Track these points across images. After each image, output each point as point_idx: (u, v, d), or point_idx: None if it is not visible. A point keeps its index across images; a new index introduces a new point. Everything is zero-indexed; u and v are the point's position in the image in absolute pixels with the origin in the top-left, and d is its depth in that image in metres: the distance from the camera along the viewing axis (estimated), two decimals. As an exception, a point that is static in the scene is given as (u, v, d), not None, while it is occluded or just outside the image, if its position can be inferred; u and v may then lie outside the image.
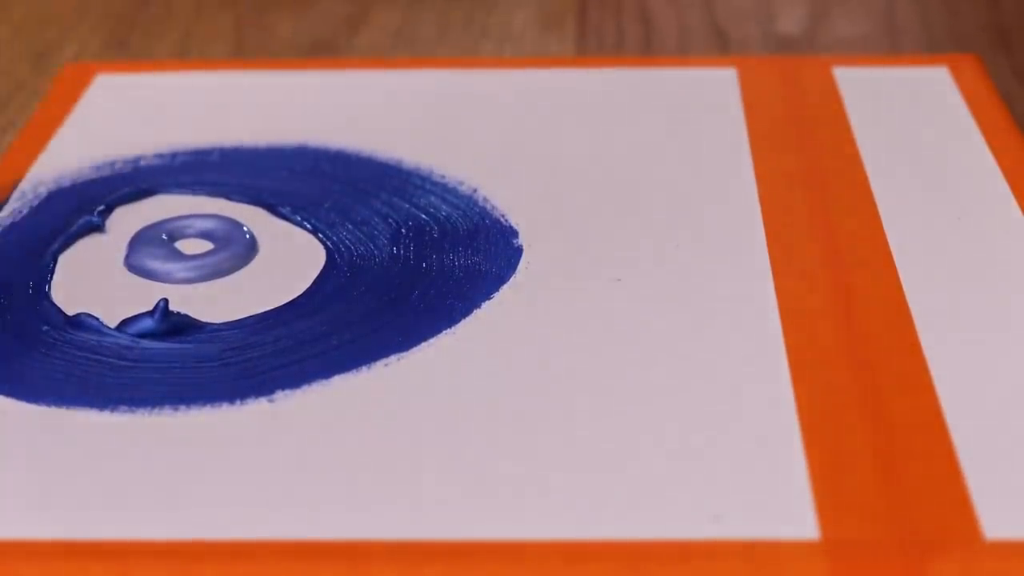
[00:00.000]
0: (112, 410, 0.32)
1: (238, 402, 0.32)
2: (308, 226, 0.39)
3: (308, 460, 0.30)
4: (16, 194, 0.40)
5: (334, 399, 0.32)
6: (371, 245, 0.38)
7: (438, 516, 0.29)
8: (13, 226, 0.39)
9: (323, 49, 0.54)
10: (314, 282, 0.36)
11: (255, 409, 0.32)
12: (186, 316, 0.35)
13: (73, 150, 0.43)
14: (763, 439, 0.30)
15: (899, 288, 0.35)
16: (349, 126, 0.44)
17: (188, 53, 0.53)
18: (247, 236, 0.38)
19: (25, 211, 0.40)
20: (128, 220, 0.39)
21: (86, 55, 0.53)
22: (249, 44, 0.55)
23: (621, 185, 0.40)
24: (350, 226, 0.38)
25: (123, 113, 0.45)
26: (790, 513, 0.28)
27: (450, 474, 0.30)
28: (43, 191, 0.41)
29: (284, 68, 0.48)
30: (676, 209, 0.39)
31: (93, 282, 0.37)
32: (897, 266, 0.36)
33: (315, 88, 0.46)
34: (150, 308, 0.35)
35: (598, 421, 0.31)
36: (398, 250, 0.37)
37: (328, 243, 0.38)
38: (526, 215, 0.39)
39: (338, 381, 0.33)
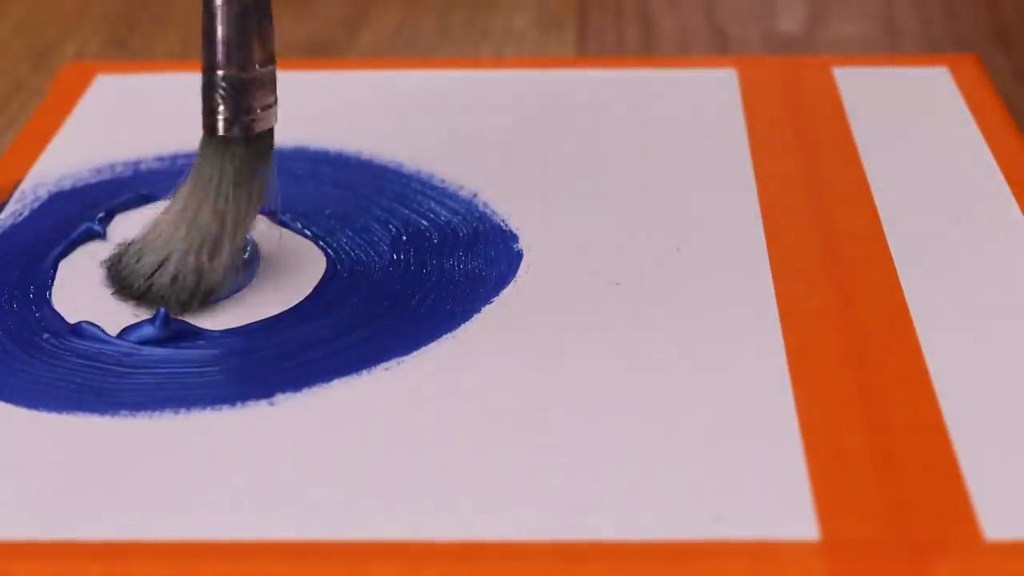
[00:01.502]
0: (112, 415, 0.32)
1: (239, 404, 0.32)
2: (308, 234, 0.39)
3: (308, 462, 0.30)
4: (16, 195, 0.40)
5: (334, 402, 0.32)
6: (371, 252, 0.38)
7: (438, 517, 0.29)
8: (13, 228, 0.39)
9: (323, 49, 0.54)
10: (315, 289, 0.36)
11: (255, 411, 0.32)
12: (187, 323, 0.35)
13: (73, 151, 0.43)
14: (763, 439, 0.30)
15: (899, 288, 0.35)
16: (349, 127, 0.44)
17: (188, 53, 0.53)
18: (248, 245, 0.38)
19: (26, 213, 0.40)
20: (129, 226, 0.39)
21: (86, 55, 0.54)
22: (249, 44, 0.55)
23: (621, 187, 0.40)
24: (350, 233, 0.38)
25: (123, 114, 0.45)
26: (790, 513, 0.28)
27: (450, 475, 0.30)
28: (43, 193, 0.40)
29: (284, 68, 0.48)
30: (676, 210, 0.39)
31: (94, 289, 0.37)
32: (897, 266, 0.36)
33: (315, 88, 0.46)
34: (151, 316, 0.35)
35: (598, 422, 0.31)
36: (398, 256, 0.37)
37: (328, 251, 0.38)
38: (526, 219, 0.39)
39: (338, 384, 0.33)
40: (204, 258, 0.35)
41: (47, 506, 0.29)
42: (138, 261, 0.36)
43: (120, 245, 0.37)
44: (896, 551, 0.28)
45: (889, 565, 0.27)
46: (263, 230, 0.39)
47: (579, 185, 0.40)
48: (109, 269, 0.36)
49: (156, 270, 0.35)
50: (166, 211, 0.36)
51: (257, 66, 0.35)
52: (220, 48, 0.35)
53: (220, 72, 0.35)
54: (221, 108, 0.35)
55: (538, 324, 0.34)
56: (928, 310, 0.34)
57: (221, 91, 0.34)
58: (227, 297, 0.35)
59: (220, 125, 0.35)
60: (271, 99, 0.35)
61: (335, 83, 0.47)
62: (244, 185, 0.35)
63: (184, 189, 0.35)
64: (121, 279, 0.36)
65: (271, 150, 0.36)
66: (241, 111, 0.35)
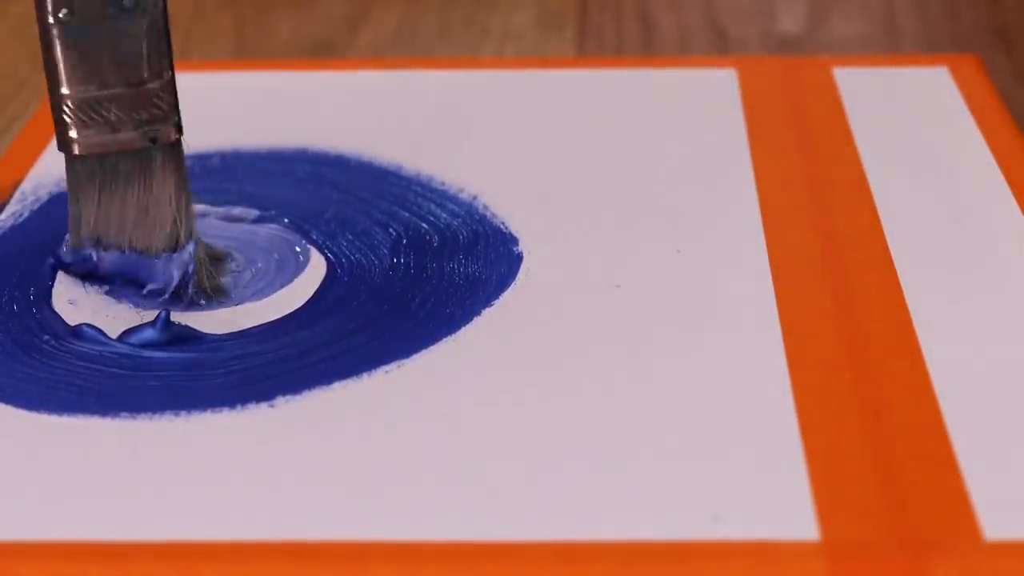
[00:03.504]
0: (113, 417, 0.32)
1: (239, 407, 0.32)
2: (310, 237, 0.39)
3: (309, 463, 0.30)
4: (16, 196, 0.40)
5: (335, 404, 0.32)
6: (372, 255, 0.38)
7: (438, 517, 0.29)
8: (14, 229, 0.39)
9: (323, 49, 0.54)
10: (315, 294, 0.36)
11: (256, 413, 0.32)
12: (187, 327, 0.35)
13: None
14: (763, 439, 0.30)
15: (898, 288, 0.35)
16: (349, 127, 0.44)
17: (188, 53, 0.54)
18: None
19: (26, 214, 0.40)
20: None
21: (86, 56, 0.53)
22: (249, 44, 0.55)
23: (620, 188, 0.40)
24: (350, 236, 0.38)
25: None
26: (790, 513, 0.28)
27: (450, 476, 0.30)
28: (44, 195, 0.40)
29: (284, 68, 0.48)
30: (676, 211, 0.39)
31: (94, 291, 0.37)
32: (896, 266, 0.36)
33: (315, 88, 0.46)
34: (151, 319, 0.35)
35: (598, 422, 0.31)
36: (398, 259, 0.37)
37: (329, 255, 0.38)
38: (526, 221, 0.39)
39: (339, 387, 0.33)
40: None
41: (47, 507, 0.29)
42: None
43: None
44: (896, 551, 0.28)
45: (889, 565, 0.27)
46: (272, 232, 0.39)
47: (579, 186, 0.40)
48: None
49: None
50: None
51: (96, 88, 0.35)
52: (56, 69, 0.35)
53: (63, 91, 0.35)
54: (72, 130, 0.35)
55: (538, 326, 0.34)
56: (928, 310, 0.34)
57: (65, 110, 0.35)
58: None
59: (70, 144, 0.35)
60: (110, 117, 0.35)
61: (335, 83, 0.47)
62: (79, 202, 0.36)
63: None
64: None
65: (126, 165, 0.36)
66: (86, 130, 0.35)
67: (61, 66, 0.35)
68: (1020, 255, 0.37)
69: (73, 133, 0.35)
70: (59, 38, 0.35)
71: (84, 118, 0.35)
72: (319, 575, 0.28)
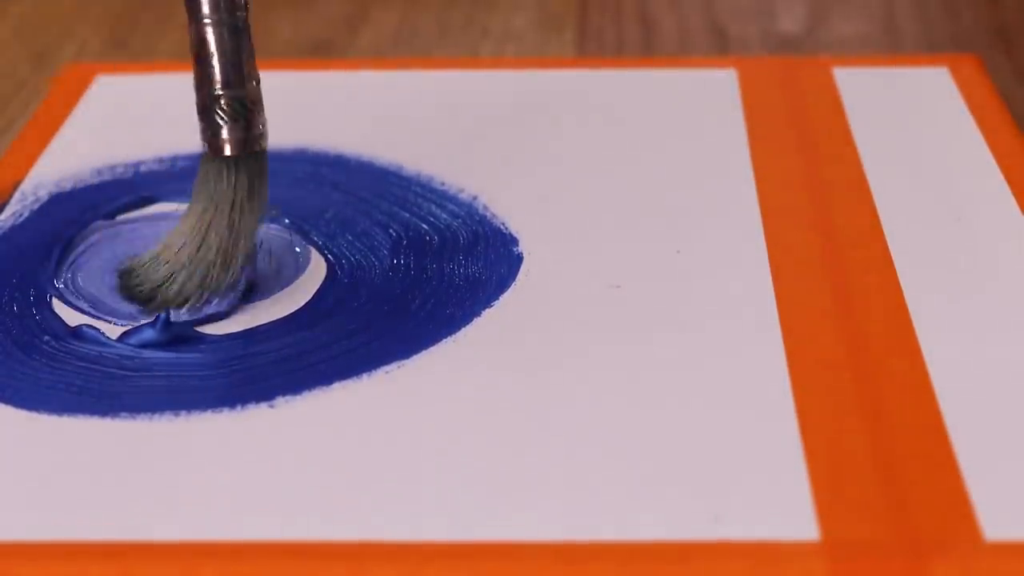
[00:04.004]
0: (112, 417, 0.32)
1: (239, 407, 0.32)
2: (310, 238, 0.38)
3: (309, 464, 0.30)
4: (16, 196, 0.40)
5: (334, 404, 0.32)
6: (372, 256, 0.37)
7: (438, 517, 0.29)
8: (13, 229, 0.39)
9: (323, 49, 0.54)
10: (315, 295, 0.36)
11: (255, 414, 0.32)
12: (187, 327, 0.35)
13: (73, 152, 0.43)
14: (763, 439, 0.30)
15: (898, 288, 0.35)
16: (349, 128, 0.44)
17: (189, 54, 0.53)
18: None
19: (26, 214, 0.40)
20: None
21: (86, 55, 0.54)
22: (249, 45, 0.55)
23: (620, 188, 0.40)
24: (350, 237, 0.38)
25: (123, 115, 0.45)
26: (790, 513, 0.28)
27: (450, 476, 0.30)
28: (44, 195, 0.40)
29: (284, 68, 0.48)
30: (676, 211, 0.39)
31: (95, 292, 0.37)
32: (896, 266, 0.36)
33: (315, 88, 0.46)
34: (151, 319, 0.35)
35: (598, 423, 0.31)
36: (399, 260, 0.37)
37: (329, 256, 0.38)
38: (526, 222, 0.39)
39: (339, 387, 0.33)
40: (215, 271, 0.35)
41: (47, 506, 0.29)
42: (149, 272, 0.36)
43: (133, 257, 0.37)
44: (896, 551, 0.28)
45: (889, 565, 0.27)
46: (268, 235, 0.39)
47: (579, 186, 0.40)
48: (121, 276, 0.36)
49: (163, 283, 0.35)
50: (180, 226, 0.36)
51: (254, 83, 0.35)
52: (218, 69, 0.35)
53: (219, 93, 0.35)
54: (225, 129, 0.35)
55: (538, 327, 0.34)
56: (928, 310, 0.34)
57: (222, 112, 0.35)
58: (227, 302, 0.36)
59: (226, 146, 0.35)
60: (263, 114, 0.35)
61: (335, 83, 0.47)
62: (253, 198, 0.35)
63: (196, 206, 0.35)
64: (131, 286, 0.36)
65: (266, 162, 0.36)
66: (243, 129, 0.35)
67: (243, 63, 0.35)
68: (1020, 255, 0.37)
69: (243, 132, 0.35)
70: (240, 34, 0.35)
71: (244, 116, 0.35)
72: (319, 575, 0.28)
